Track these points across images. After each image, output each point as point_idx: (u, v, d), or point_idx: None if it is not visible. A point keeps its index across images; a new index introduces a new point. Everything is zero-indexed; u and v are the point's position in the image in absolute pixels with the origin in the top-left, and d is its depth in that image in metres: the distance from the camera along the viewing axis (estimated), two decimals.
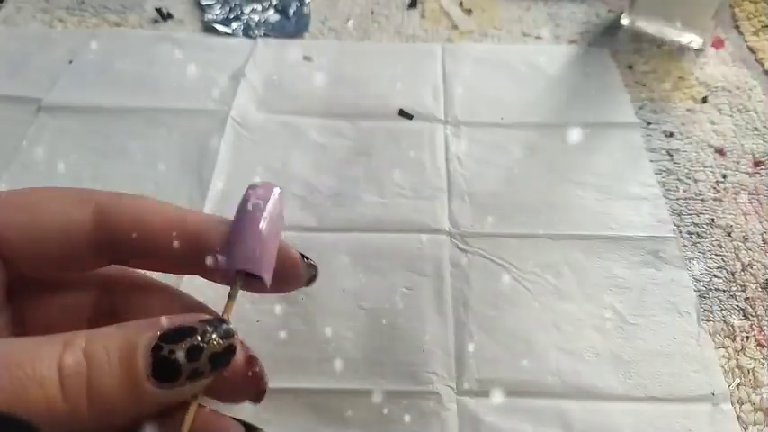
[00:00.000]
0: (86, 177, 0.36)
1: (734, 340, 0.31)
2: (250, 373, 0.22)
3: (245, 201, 0.23)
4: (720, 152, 0.40)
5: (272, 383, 0.27)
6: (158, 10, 0.48)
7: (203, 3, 0.48)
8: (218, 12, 0.48)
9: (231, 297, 0.22)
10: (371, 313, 0.30)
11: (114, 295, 0.24)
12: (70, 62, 0.43)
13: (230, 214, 0.23)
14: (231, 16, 0.48)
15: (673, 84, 0.45)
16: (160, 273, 0.24)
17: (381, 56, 0.45)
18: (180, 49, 0.45)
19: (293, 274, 0.24)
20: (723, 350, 0.31)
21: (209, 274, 0.23)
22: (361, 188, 0.36)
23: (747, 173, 0.39)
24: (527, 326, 0.30)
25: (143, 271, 0.25)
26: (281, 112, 0.41)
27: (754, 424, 0.28)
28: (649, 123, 0.42)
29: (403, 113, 0.41)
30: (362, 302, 0.31)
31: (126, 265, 0.24)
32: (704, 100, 0.43)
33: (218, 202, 0.35)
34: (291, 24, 0.48)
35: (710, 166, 0.39)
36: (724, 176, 0.39)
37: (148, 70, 0.43)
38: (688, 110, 0.43)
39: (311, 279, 0.24)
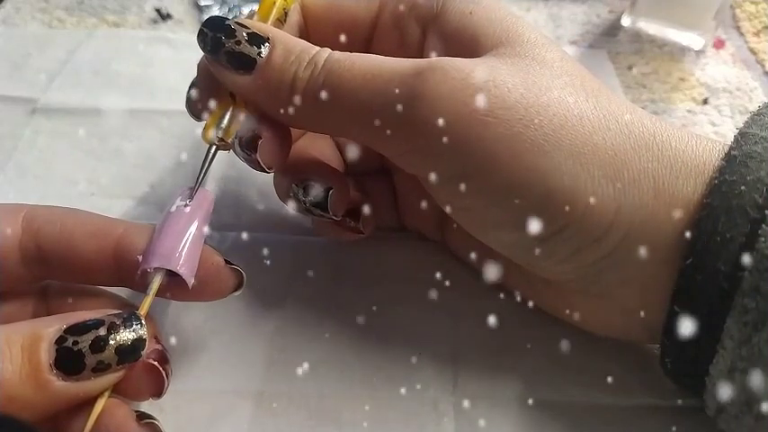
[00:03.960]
0: (81, 179, 0.36)
1: None
2: (152, 361, 0.22)
3: (171, 204, 0.23)
4: None
5: (267, 387, 0.27)
6: (158, 10, 0.48)
7: (201, 4, 0.48)
8: (216, 13, 0.48)
9: (148, 294, 0.22)
10: (366, 318, 0.30)
11: (50, 302, 0.24)
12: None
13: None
14: (230, 17, 0.48)
15: (673, 85, 0.44)
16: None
17: None
18: (175, 50, 0.44)
19: (216, 278, 0.23)
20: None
21: (135, 284, 0.23)
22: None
23: None
24: (523, 332, 0.30)
25: None
26: None
27: None
28: None
29: None
30: (356, 308, 0.30)
31: (57, 280, 0.24)
32: (705, 101, 0.43)
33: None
34: None
35: None
36: None
37: (144, 71, 0.42)
38: (688, 111, 0.42)
39: (237, 286, 0.24)
